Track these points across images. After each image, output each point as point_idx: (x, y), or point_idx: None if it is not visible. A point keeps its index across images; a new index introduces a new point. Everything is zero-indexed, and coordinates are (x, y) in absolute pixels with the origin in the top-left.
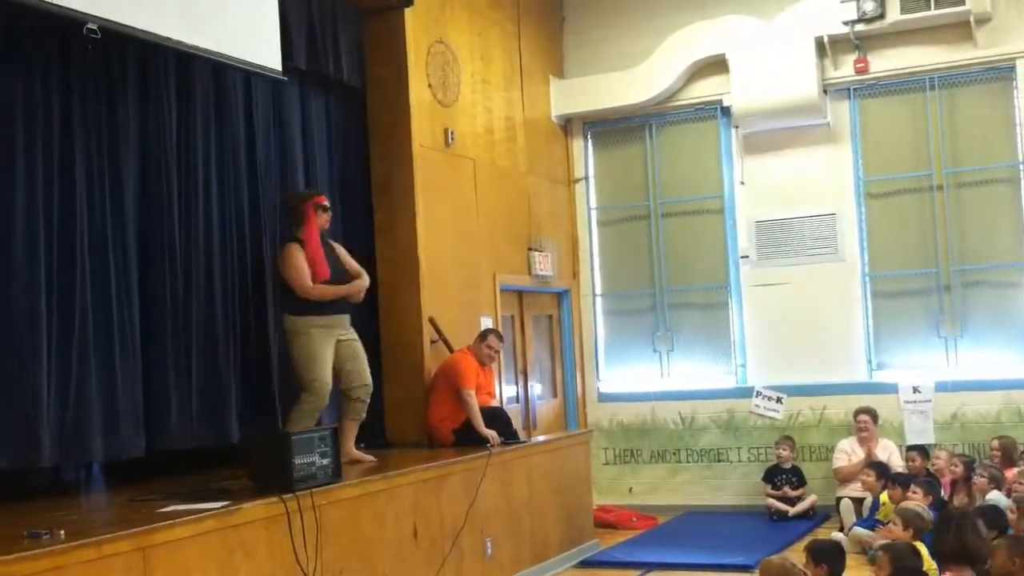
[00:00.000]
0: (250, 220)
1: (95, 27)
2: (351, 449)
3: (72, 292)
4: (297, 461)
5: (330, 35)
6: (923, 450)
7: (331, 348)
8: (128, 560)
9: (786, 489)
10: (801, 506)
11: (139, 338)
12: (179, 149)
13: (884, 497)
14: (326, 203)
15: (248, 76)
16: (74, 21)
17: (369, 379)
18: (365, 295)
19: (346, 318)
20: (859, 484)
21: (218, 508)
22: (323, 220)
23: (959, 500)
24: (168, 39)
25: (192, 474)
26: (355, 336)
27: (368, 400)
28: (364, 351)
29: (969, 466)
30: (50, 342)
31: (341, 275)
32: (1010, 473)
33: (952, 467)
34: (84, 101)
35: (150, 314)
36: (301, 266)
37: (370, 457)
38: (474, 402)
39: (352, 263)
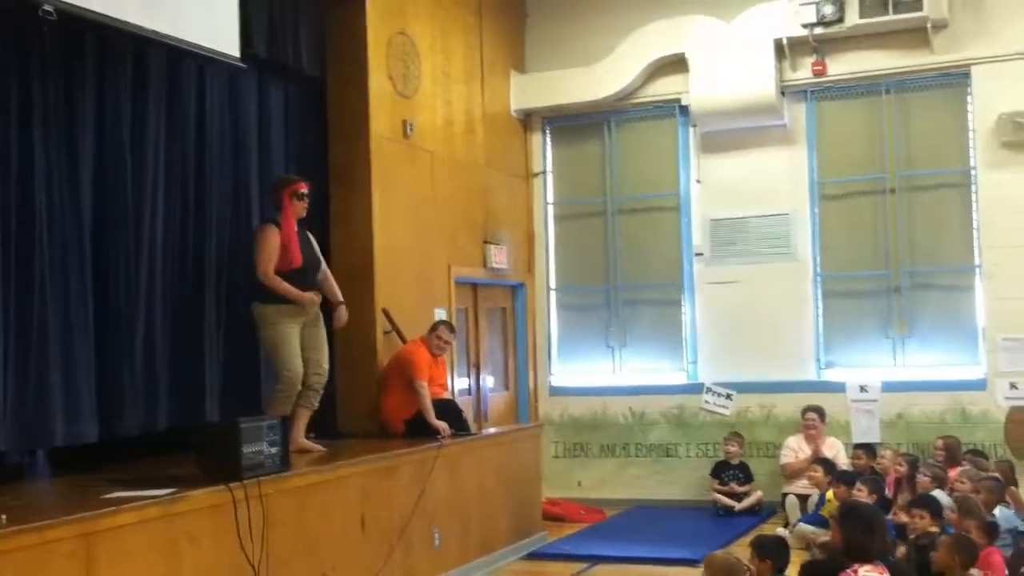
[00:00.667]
0: (200, 209)
1: (51, 9)
2: (300, 438)
3: (31, 277)
4: (245, 449)
5: (291, 24)
6: (869, 448)
7: (298, 335)
8: (71, 546)
9: (733, 485)
10: (747, 502)
11: (92, 324)
12: (133, 136)
13: (830, 494)
14: (303, 190)
15: (203, 64)
16: (29, 3)
17: (326, 368)
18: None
19: (315, 308)
20: (805, 481)
21: (164, 495)
22: (299, 208)
23: (903, 499)
24: (125, 23)
25: (141, 461)
26: (321, 325)
27: (322, 390)
28: (325, 340)
29: (913, 465)
30: (7, 329)
31: (315, 265)
32: (953, 473)
33: (897, 466)
34: (44, 86)
35: (105, 300)
36: (269, 250)
37: (319, 447)
38: (426, 393)
39: (333, 288)
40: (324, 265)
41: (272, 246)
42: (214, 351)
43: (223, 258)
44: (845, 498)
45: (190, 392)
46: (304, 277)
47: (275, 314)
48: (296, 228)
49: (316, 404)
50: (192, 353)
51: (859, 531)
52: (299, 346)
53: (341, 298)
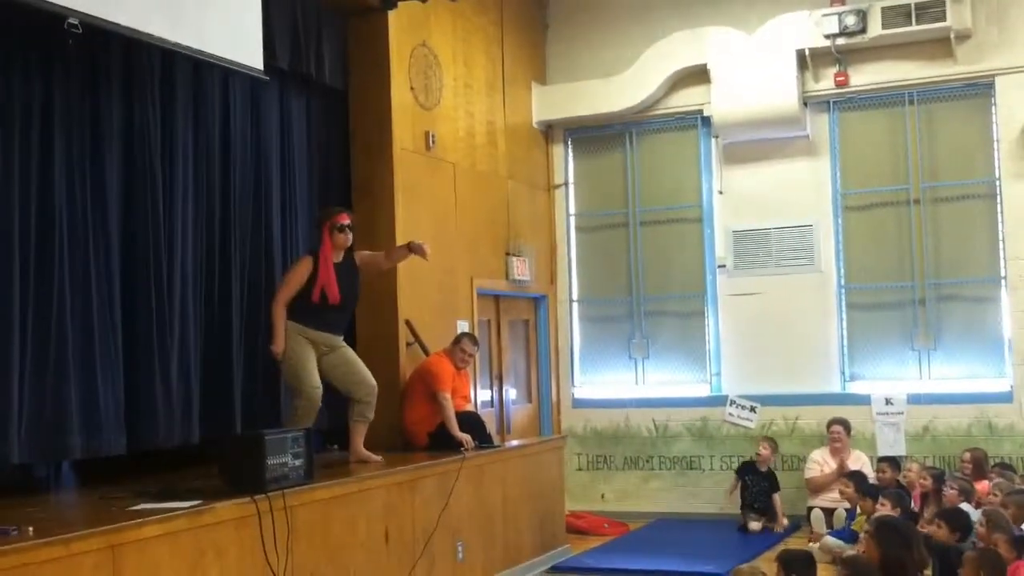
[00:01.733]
0: (226, 221)
1: (76, 22)
2: (360, 449)
3: (50, 292)
4: (270, 461)
5: (313, 36)
6: (894, 462)
7: (314, 356)
8: (97, 558)
9: (754, 525)
10: (780, 518)
11: (121, 337)
12: (163, 148)
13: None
14: (343, 222)
15: (227, 75)
16: (55, 16)
17: (369, 379)
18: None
19: (333, 337)
20: (830, 494)
21: (189, 507)
22: (340, 240)
23: (929, 512)
24: (150, 35)
25: (167, 473)
26: (345, 346)
27: (374, 401)
28: (354, 355)
29: (939, 479)
30: (24, 341)
31: (352, 301)
32: (981, 486)
33: (922, 480)
34: (66, 98)
35: (134, 313)
36: (292, 281)
37: (377, 457)
38: (450, 405)
39: (379, 259)
40: (378, 254)
41: (297, 278)
42: (240, 363)
43: (247, 270)
44: (870, 512)
45: (219, 404)
46: (332, 314)
47: (292, 331)
48: (338, 260)
49: (371, 416)
50: (220, 366)
51: (897, 546)
52: (315, 366)
53: (403, 246)
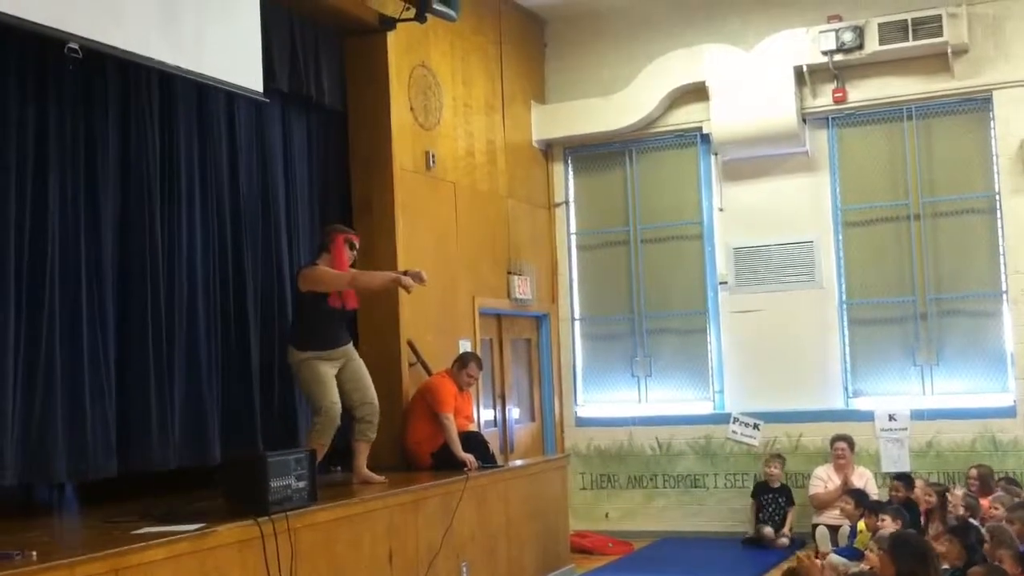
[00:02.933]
0: (232, 242)
1: (76, 47)
2: (363, 469)
3: (39, 313)
4: (273, 484)
5: (312, 57)
6: (907, 479)
7: (332, 373)
8: None
9: (767, 531)
10: (787, 527)
11: (114, 360)
12: (162, 170)
13: (861, 525)
14: (356, 241)
15: (230, 97)
16: (55, 40)
17: (374, 398)
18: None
19: (347, 348)
20: (834, 511)
21: (192, 530)
22: (352, 258)
23: (934, 529)
24: (150, 59)
25: (169, 495)
26: (356, 356)
27: (375, 420)
28: (367, 371)
29: (943, 495)
30: (16, 362)
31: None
32: (985, 502)
33: (927, 496)
34: (63, 120)
35: (129, 336)
36: (331, 270)
37: (380, 478)
38: (452, 426)
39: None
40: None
41: (331, 271)
42: (260, 384)
43: (259, 291)
44: (874, 529)
45: (233, 426)
46: (332, 331)
47: (309, 358)
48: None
49: (373, 435)
50: (237, 388)
51: (913, 562)
52: (335, 382)
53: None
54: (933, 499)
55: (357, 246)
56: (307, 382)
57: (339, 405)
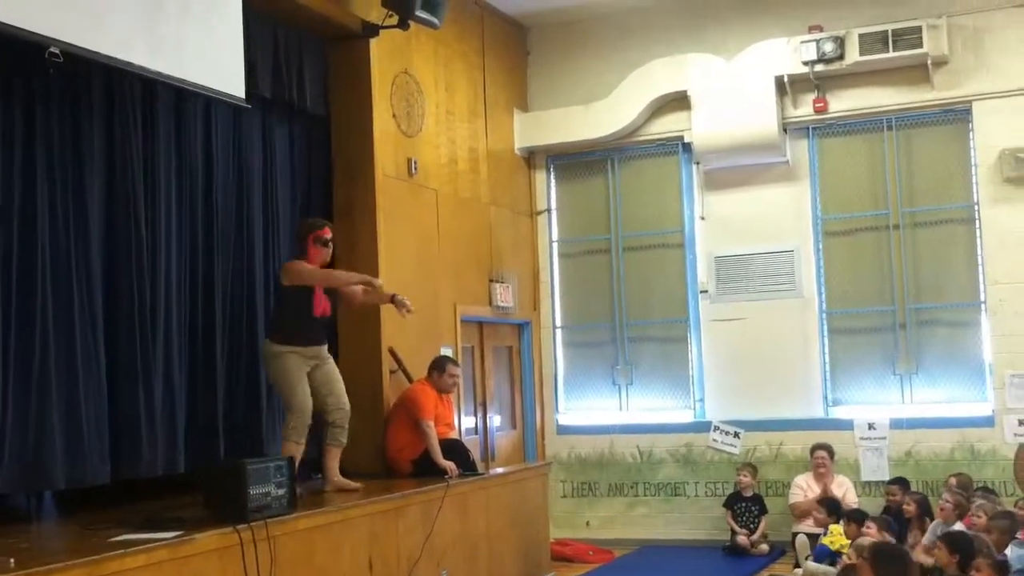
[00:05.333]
0: (208, 248)
1: (57, 51)
2: (335, 476)
3: (32, 318)
4: (252, 491)
5: (295, 63)
6: (903, 483)
7: (305, 373)
8: None
9: (740, 537)
10: (758, 532)
11: (104, 365)
12: (145, 175)
13: (834, 527)
14: (326, 236)
15: (209, 102)
16: (36, 45)
17: (346, 403)
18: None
19: (322, 349)
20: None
21: (171, 538)
22: (324, 255)
23: (913, 537)
24: (131, 64)
25: (149, 502)
26: (330, 360)
27: (346, 425)
28: (339, 375)
29: (921, 504)
30: (6, 370)
31: (333, 314)
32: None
33: (906, 505)
34: (47, 125)
35: (117, 340)
36: (310, 267)
37: (355, 484)
38: (433, 433)
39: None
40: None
41: (308, 266)
42: (226, 390)
43: (231, 296)
44: (855, 537)
45: (206, 432)
46: (312, 328)
47: (285, 352)
48: None
49: (344, 440)
50: (206, 393)
51: (894, 571)
52: (307, 383)
53: (386, 292)
54: (912, 508)
55: (329, 240)
56: (280, 375)
57: (311, 403)
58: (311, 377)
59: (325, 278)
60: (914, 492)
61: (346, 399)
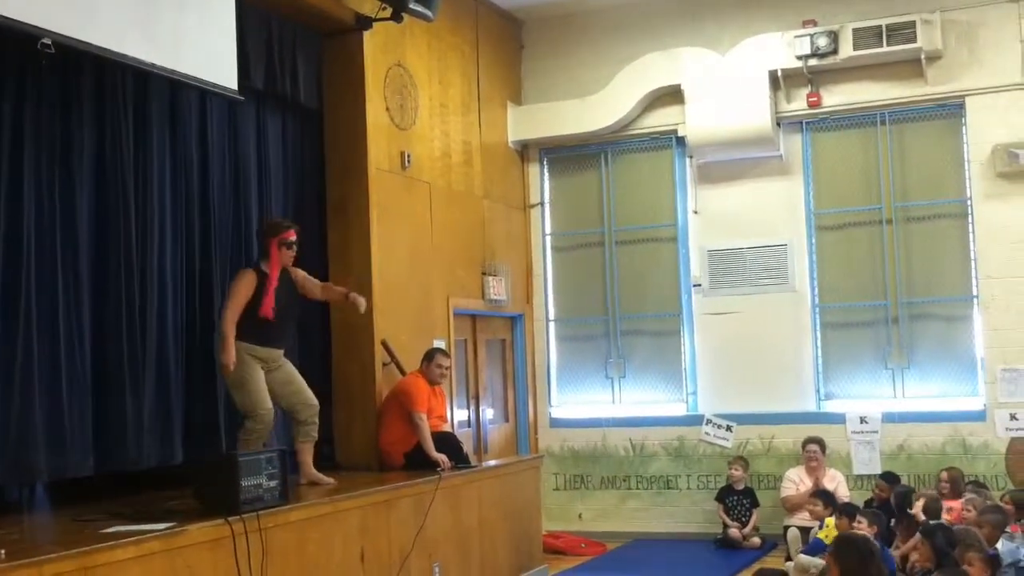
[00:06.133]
0: (201, 241)
1: (49, 42)
2: (310, 471)
3: (16, 313)
4: (244, 483)
5: (288, 56)
6: (892, 478)
7: (263, 377)
8: None
9: (732, 530)
10: (750, 525)
11: (89, 358)
12: (136, 168)
13: (829, 520)
14: (291, 239)
15: (204, 95)
16: (28, 36)
17: (311, 399)
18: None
19: (277, 352)
20: (806, 513)
21: (163, 529)
22: (286, 257)
23: (900, 530)
24: (124, 56)
25: (142, 494)
26: (287, 362)
27: (316, 420)
28: (296, 371)
29: (901, 496)
30: None
31: (288, 316)
32: (956, 504)
33: (880, 493)
34: (37, 117)
35: (103, 334)
36: (239, 297)
37: (329, 479)
38: (425, 426)
39: (314, 285)
40: (315, 282)
41: (244, 292)
42: (221, 384)
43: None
44: (845, 530)
45: (206, 428)
46: (272, 331)
47: (242, 351)
48: (279, 275)
49: (314, 435)
50: (205, 389)
51: (855, 561)
52: (265, 385)
53: (344, 289)
54: (886, 495)
55: (294, 243)
56: (236, 382)
57: (273, 412)
58: (271, 380)
59: (230, 315)
60: (902, 486)
61: (311, 393)
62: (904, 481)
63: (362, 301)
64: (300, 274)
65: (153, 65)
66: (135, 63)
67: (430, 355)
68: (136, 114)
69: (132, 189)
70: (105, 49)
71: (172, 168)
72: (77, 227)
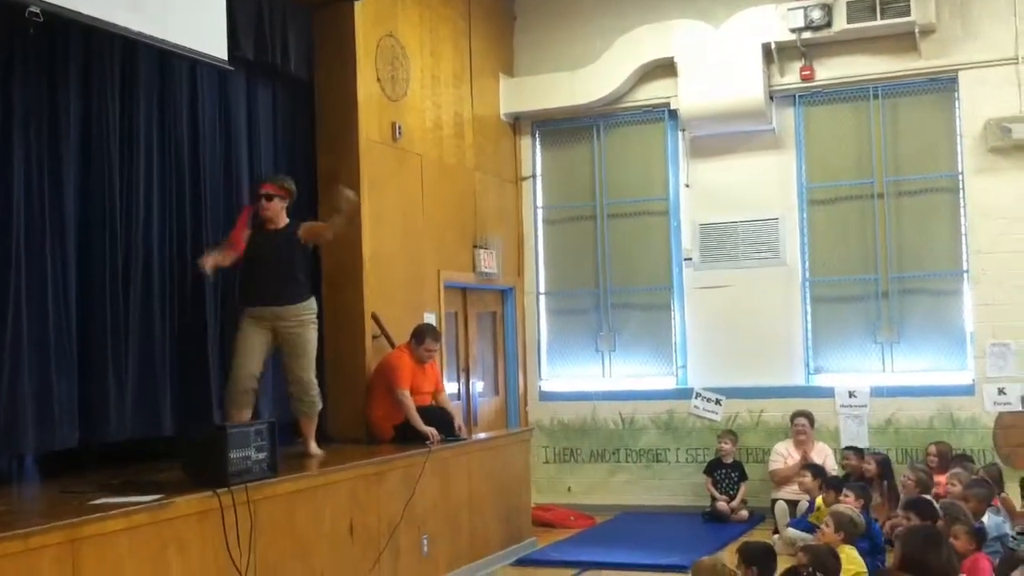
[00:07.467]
0: (191, 212)
1: (37, 10)
2: (307, 444)
3: (7, 281)
4: (232, 455)
5: (279, 26)
6: (858, 451)
7: (262, 338)
8: (57, 553)
9: (720, 504)
10: (738, 499)
11: (75, 330)
12: (121, 139)
13: (820, 500)
14: (260, 191)
15: (194, 65)
16: (15, 4)
17: (303, 375)
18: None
19: (281, 309)
20: (794, 487)
21: (150, 501)
22: (258, 207)
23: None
24: (113, 24)
25: (130, 466)
26: (299, 329)
27: (307, 398)
28: (308, 344)
29: (881, 464)
30: None
31: (273, 267)
32: (942, 478)
33: (866, 464)
34: (25, 86)
35: (89, 306)
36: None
37: (318, 451)
38: (409, 402)
39: (315, 226)
40: (315, 223)
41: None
42: (212, 356)
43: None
44: (833, 503)
45: (198, 399)
46: (255, 287)
47: (242, 316)
48: (277, 227)
49: (307, 410)
50: (197, 360)
51: (918, 547)
52: (260, 349)
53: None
54: (873, 468)
55: (261, 195)
56: (233, 343)
57: (248, 372)
58: (277, 342)
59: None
60: (876, 453)
61: (304, 370)
62: (892, 456)
63: (350, 192)
64: (307, 225)
65: (141, 34)
66: (124, 32)
67: (420, 336)
68: (124, 84)
69: (117, 161)
70: (94, 18)
71: (160, 139)
72: (63, 198)
